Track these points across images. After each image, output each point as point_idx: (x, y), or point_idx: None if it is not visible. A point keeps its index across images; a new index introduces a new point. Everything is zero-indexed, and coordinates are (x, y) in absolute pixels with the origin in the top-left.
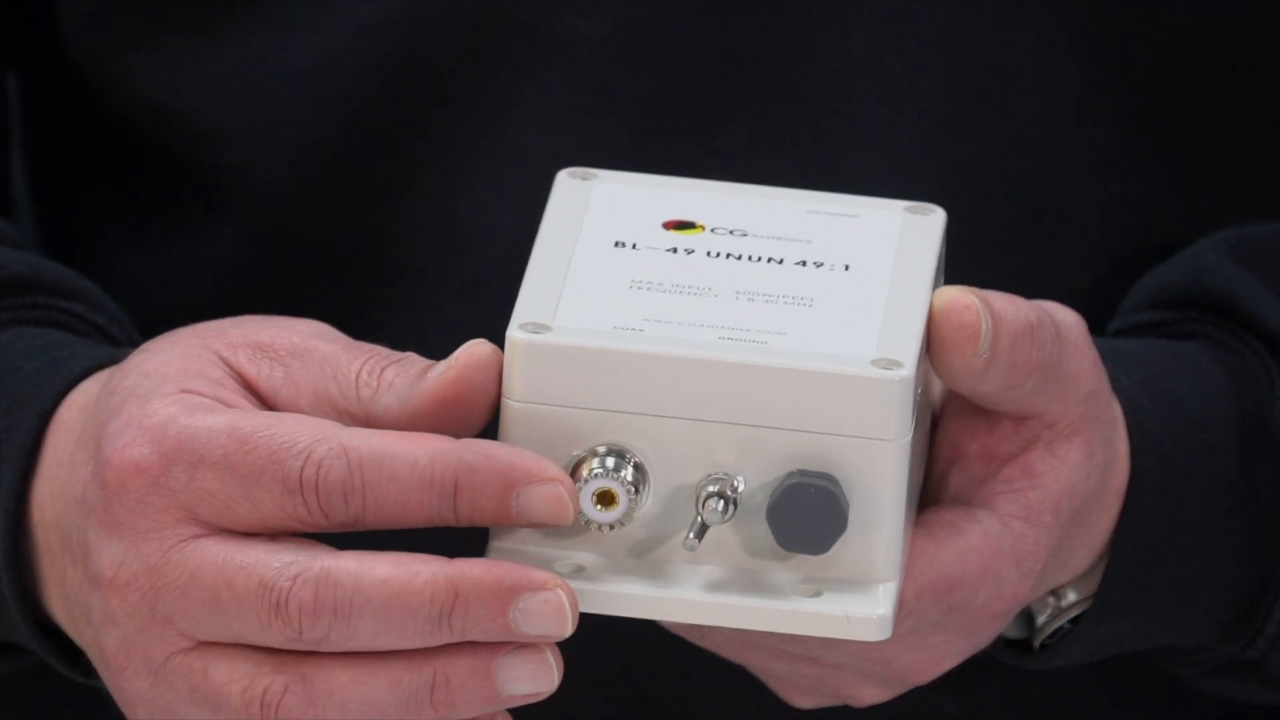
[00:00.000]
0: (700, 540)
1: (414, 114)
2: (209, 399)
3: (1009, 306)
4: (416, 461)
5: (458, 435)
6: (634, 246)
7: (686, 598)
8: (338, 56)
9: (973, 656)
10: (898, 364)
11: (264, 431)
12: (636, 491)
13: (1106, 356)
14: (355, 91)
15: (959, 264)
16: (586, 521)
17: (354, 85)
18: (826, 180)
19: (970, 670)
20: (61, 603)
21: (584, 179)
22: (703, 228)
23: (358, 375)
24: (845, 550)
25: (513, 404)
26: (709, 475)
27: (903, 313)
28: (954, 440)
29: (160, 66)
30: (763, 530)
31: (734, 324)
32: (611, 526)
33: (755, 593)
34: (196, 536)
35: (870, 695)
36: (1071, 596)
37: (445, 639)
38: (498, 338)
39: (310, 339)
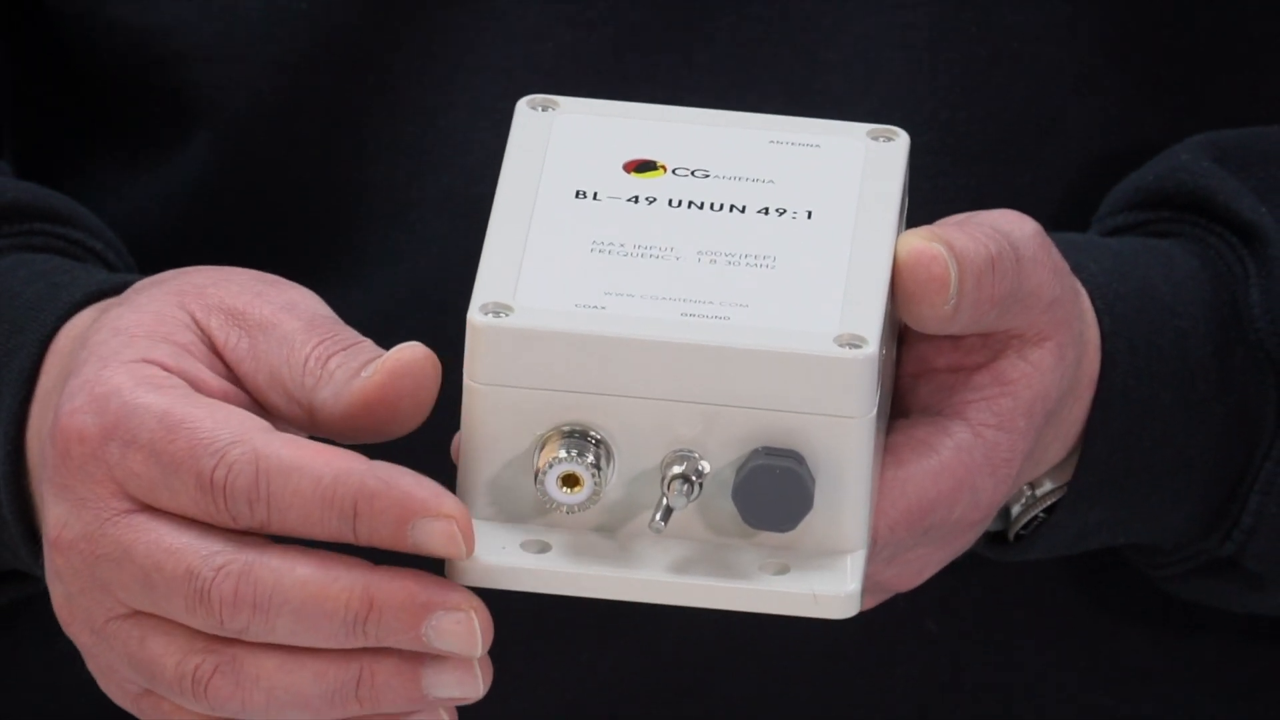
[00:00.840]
0: (666, 522)
1: (392, 29)
2: (167, 370)
3: (970, 244)
4: (320, 479)
5: (391, 434)
6: (595, 196)
7: (652, 579)
8: None
9: (955, 573)
10: (862, 340)
11: (190, 423)
12: (600, 472)
13: (1076, 248)
14: (333, 6)
15: (938, 175)
16: (552, 504)
17: (331, 0)
18: (809, 92)
19: (951, 589)
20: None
21: (544, 109)
22: (664, 169)
23: (305, 361)
24: (812, 525)
25: (475, 386)
26: (674, 453)
27: (867, 271)
28: (920, 355)
29: None
30: (729, 507)
31: (696, 294)
32: (576, 509)
33: (721, 573)
34: (130, 511)
35: None
36: (1047, 485)
37: (362, 644)
38: (476, 253)
39: (280, 312)
